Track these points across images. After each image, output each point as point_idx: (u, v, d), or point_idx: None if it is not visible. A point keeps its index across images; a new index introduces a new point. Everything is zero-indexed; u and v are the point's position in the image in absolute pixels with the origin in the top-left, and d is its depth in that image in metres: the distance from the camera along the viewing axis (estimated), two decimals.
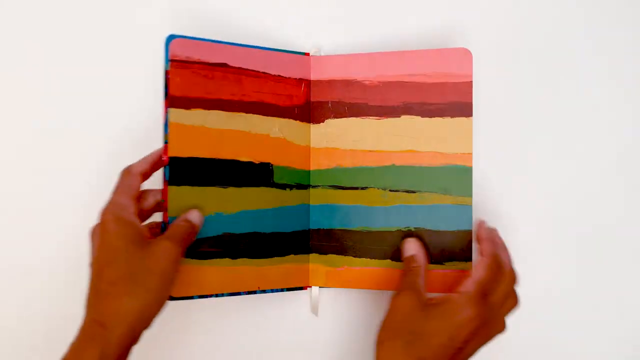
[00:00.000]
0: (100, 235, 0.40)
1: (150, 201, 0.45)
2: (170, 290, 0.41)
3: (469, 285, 0.42)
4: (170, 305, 0.49)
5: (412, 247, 0.47)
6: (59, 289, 0.53)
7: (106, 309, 0.38)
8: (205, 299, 0.47)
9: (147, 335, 0.49)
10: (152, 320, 0.40)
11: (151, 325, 0.40)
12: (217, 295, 0.47)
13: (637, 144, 0.54)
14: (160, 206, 0.45)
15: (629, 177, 0.54)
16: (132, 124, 0.54)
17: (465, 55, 0.48)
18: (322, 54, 0.53)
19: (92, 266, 0.41)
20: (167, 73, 0.45)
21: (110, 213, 0.40)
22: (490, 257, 0.44)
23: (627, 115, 0.54)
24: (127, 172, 0.44)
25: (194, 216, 0.44)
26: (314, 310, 0.53)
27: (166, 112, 0.45)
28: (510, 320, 0.44)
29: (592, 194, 0.54)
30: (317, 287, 0.52)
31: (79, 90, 0.54)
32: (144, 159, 0.45)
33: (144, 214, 0.45)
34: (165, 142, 0.45)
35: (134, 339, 0.39)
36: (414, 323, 0.41)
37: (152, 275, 0.39)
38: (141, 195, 0.45)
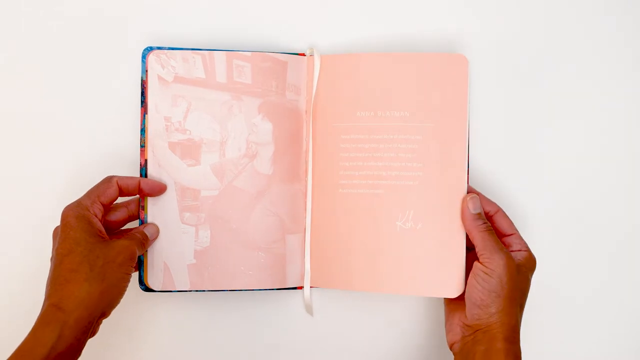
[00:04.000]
0: (62, 229, 0.43)
1: (122, 213, 0.48)
2: (127, 285, 0.43)
3: (524, 244, 0.48)
4: (167, 304, 0.53)
5: (477, 205, 0.47)
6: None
7: (65, 293, 0.40)
8: (201, 292, 0.50)
9: (145, 334, 0.53)
10: (110, 308, 0.43)
11: (109, 314, 0.43)
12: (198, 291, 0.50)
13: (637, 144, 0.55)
14: (131, 218, 0.48)
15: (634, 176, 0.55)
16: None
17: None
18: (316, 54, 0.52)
19: (53, 258, 0.43)
20: (143, 82, 0.49)
21: (71, 210, 0.43)
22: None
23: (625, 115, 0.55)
24: (107, 179, 0.46)
25: (150, 230, 0.48)
26: (308, 310, 0.53)
27: (143, 119, 0.49)
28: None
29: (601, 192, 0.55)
30: (308, 288, 0.52)
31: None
32: (130, 176, 0.47)
33: (113, 226, 0.47)
34: (142, 146, 0.49)
35: (90, 324, 0.41)
36: (520, 284, 0.45)
37: (111, 264, 0.42)
38: (114, 208, 0.47)
